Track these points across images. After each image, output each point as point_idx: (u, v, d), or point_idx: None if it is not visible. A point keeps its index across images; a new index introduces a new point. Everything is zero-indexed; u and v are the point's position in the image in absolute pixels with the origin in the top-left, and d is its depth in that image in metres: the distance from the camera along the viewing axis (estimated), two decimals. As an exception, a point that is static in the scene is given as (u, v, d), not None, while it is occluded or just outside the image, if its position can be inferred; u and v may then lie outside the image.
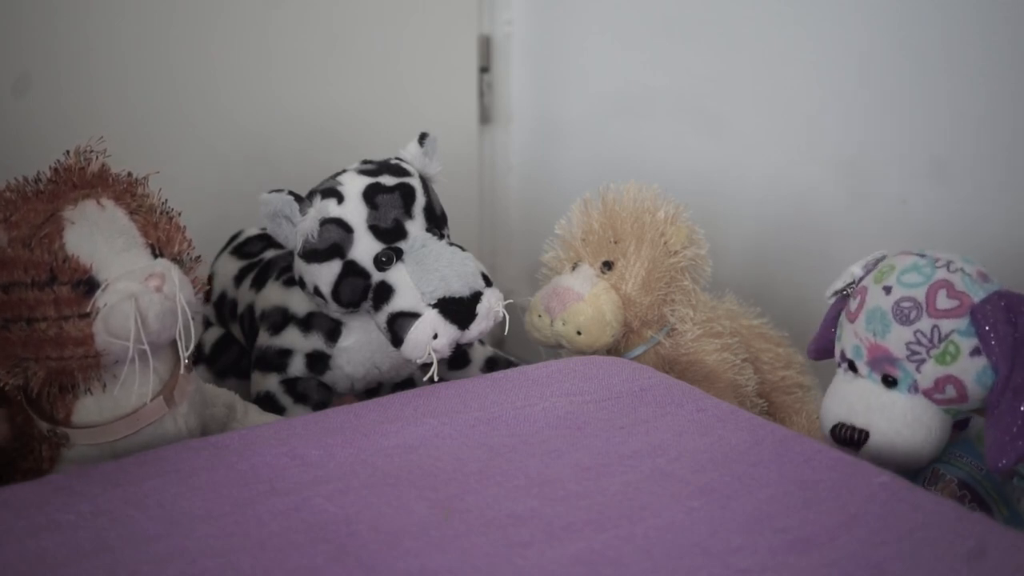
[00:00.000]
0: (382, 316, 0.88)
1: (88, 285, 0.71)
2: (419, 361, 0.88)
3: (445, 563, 0.60)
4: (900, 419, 0.79)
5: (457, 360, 1.03)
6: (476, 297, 0.88)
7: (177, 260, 0.77)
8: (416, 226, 0.90)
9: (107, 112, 1.19)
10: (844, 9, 1.18)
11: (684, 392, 0.85)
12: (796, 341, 1.15)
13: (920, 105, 1.13)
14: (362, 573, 0.59)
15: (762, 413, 1.07)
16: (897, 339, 0.78)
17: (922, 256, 0.79)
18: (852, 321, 0.81)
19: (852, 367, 0.82)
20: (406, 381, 1.02)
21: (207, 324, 1.10)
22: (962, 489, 0.78)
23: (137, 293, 0.71)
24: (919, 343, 0.77)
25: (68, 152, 0.76)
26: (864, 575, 0.58)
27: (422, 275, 0.88)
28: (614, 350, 1.03)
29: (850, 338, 0.81)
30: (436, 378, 0.87)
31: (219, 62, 1.28)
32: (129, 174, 0.79)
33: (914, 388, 0.78)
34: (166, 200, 0.79)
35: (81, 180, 0.75)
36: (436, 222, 0.92)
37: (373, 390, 1.01)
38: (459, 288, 0.87)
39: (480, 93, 1.58)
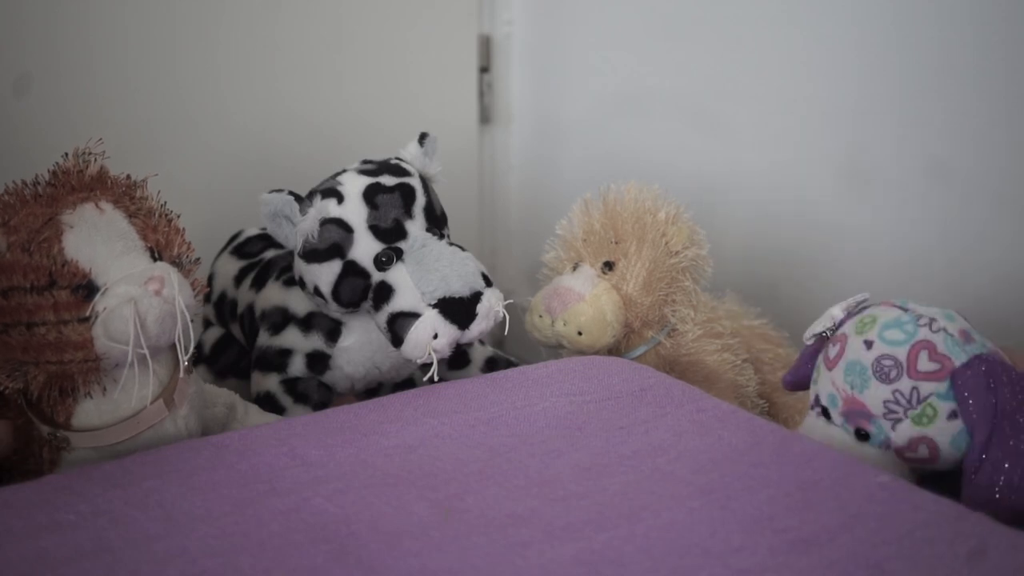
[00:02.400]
0: (382, 316, 0.88)
1: (87, 289, 0.71)
2: (419, 361, 0.88)
3: (445, 563, 0.60)
4: None
5: (457, 360, 1.03)
6: (476, 297, 0.88)
7: (176, 263, 0.77)
8: (416, 226, 0.90)
9: (107, 113, 1.19)
10: (843, 9, 1.18)
11: (684, 392, 0.85)
12: (796, 342, 1.14)
13: (920, 105, 1.13)
14: (362, 573, 0.59)
15: (763, 413, 1.07)
16: (875, 396, 0.78)
17: (905, 311, 0.79)
18: (830, 369, 0.81)
19: (826, 414, 0.82)
20: (406, 381, 1.02)
21: (207, 324, 1.11)
22: None
23: (136, 297, 0.71)
24: (897, 402, 0.77)
25: (67, 154, 0.76)
26: (864, 575, 0.58)
27: (422, 275, 0.88)
28: (615, 350, 1.03)
29: (826, 385, 0.82)
30: (436, 378, 0.87)
31: (219, 63, 1.28)
32: (128, 177, 0.79)
33: (887, 445, 0.79)
34: (165, 202, 0.79)
35: (80, 183, 0.75)
36: (436, 222, 0.92)
37: (373, 390, 1.01)
38: (459, 288, 0.87)
39: (480, 93, 1.58)
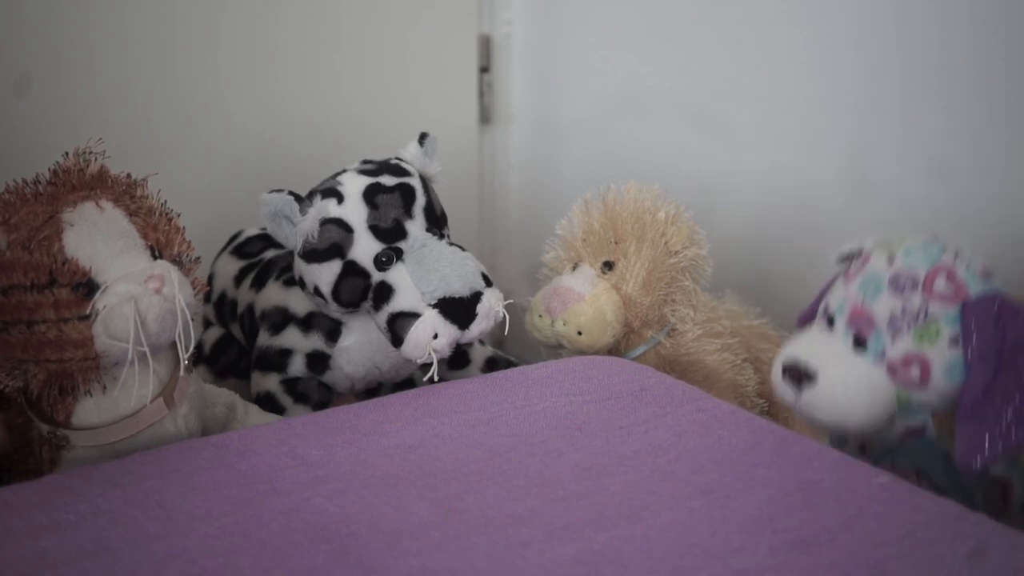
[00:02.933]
0: (382, 316, 0.88)
1: (87, 287, 0.71)
2: (419, 361, 0.88)
3: (445, 563, 0.60)
4: (853, 376, 0.78)
5: (457, 360, 1.03)
6: (476, 297, 0.88)
7: (176, 261, 0.77)
8: (416, 226, 0.90)
9: (107, 113, 1.19)
10: (843, 9, 1.18)
11: (684, 392, 0.85)
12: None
13: (919, 104, 1.13)
14: (362, 573, 0.59)
15: (763, 413, 1.07)
16: (883, 306, 0.77)
17: (935, 240, 0.79)
18: (847, 282, 0.81)
19: (830, 322, 0.81)
20: (406, 381, 1.02)
21: (207, 324, 1.11)
22: (919, 477, 0.79)
23: (136, 295, 0.71)
24: (903, 315, 0.76)
25: (67, 153, 0.76)
26: (864, 575, 0.58)
27: (422, 275, 0.88)
28: (615, 350, 1.03)
29: (839, 296, 0.81)
30: (436, 378, 0.87)
31: (219, 63, 1.28)
32: (128, 175, 0.79)
33: (881, 357, 0.77)
34: (165, 201, 0.79)
35: (80, 182, 0.75)
36: (436, 222, 0.92)
37: (373, 390, 1.01)
38: (459, 288, 0.87)
39: (480, 93, 1.58)
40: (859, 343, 0.79)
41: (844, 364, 0.78)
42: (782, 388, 0.81)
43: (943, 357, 0.75)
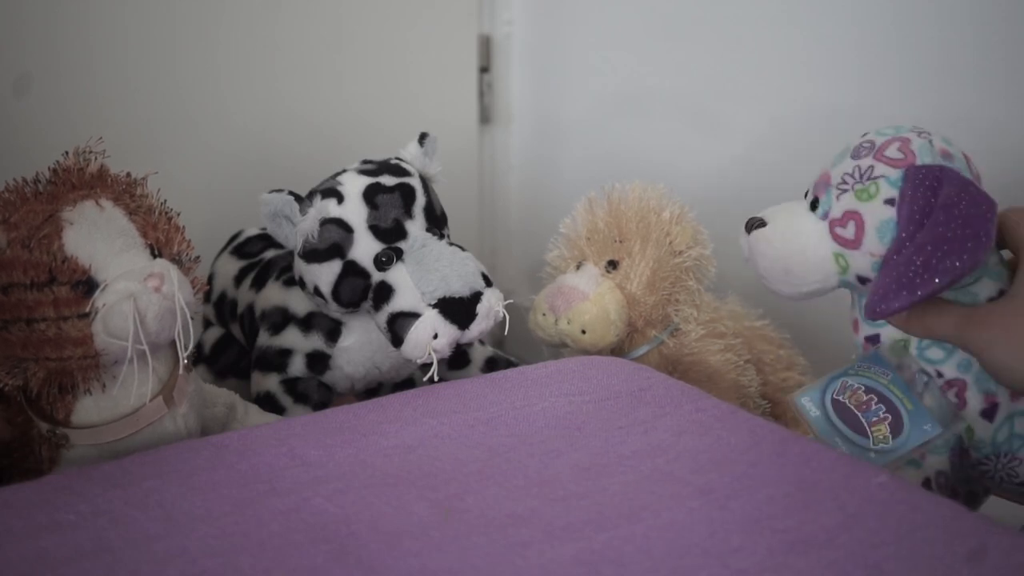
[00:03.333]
0: (382, 316, 0.88)
1: (87, 286, 0.71)
2: (419, 361, 0.88)
3: (445, 563, 0.60)
4: (795, 226, 0.81)
5: (457, 360, 1.03)
6: (476, 297, 0.88)
7: (176, 260, 0.77)
8: (416, 226, 0.90)
9: (107, 113, 1.19)
10: (843, 9, 1.19)
11: (683, 392, 0.85)
12: (798, 343, 1.15)
13: (919, 105, 1.13)
14: (362, 573, 0.59)
15: (765, 414, 1.07)
16: (840, 168, 0.80)
17: (917, 127, 0.81)
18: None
19: (806, 194, 0.85)
20: (406, 381, 1.02)
21: (207, 324, 1.11)
22: (868, 394, 0.80)
23: (136, 293, 0.71)
24: (852, 176, 0.79)
25: (67, 153, 0.76)
26: (863, 575, 0.58)
27: (422, 275, 0.88)
28: (618, 350, 1.03)
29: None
30: (436, 378, 0.87)
31: (219, 63, 1.28)
32: (128, 174, 0.79)
33: (825, 215, 0.80)
34: (165, 200, 0.79)
35: (80, 181, 0.75)
36: (436, 222, 0.92)
37: (373, 390, 1.01)
38: (459, 288, 0.87)
39: (480, 93, 1.58)
40: (814, 205, 0.82)
41: (792, 215, 0.83)
42: (741, 240, 0.86)
43: (877, 214, 0.77)
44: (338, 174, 0.92)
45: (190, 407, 0.81)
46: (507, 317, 0.89)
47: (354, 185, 0.90)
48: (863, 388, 0.80)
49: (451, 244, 0.91)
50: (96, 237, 0.72)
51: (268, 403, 0.94)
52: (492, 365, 1.05)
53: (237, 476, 0.71)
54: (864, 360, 0.82)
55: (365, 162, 0.93)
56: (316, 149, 1.33)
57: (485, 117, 1.59)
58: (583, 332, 0.99)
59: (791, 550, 0.60)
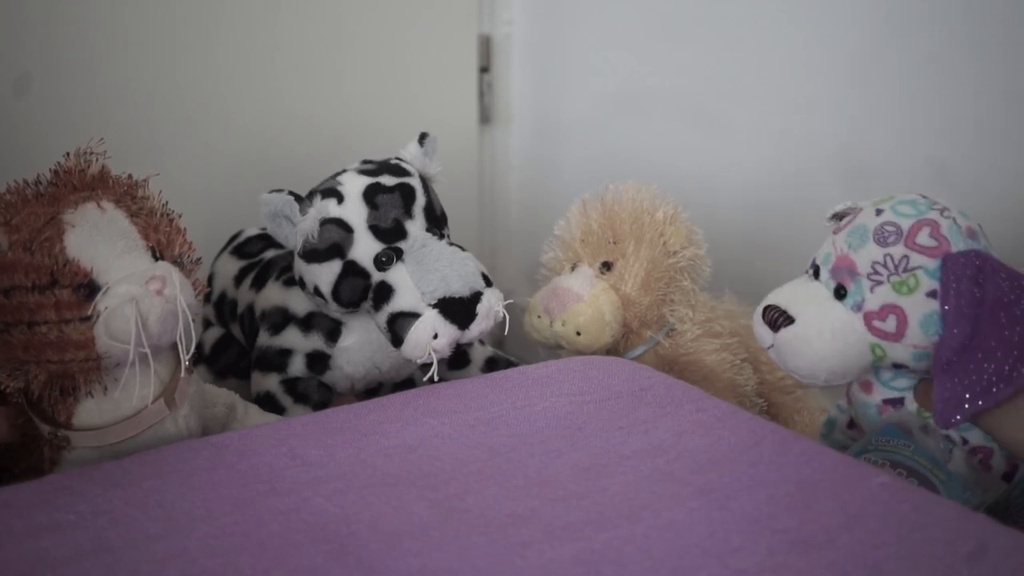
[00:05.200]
0: (382, 316, 0.88)
1: (89, 288, 0.71)
2: (419, 361, 0.88)
3: (445, 563, 0.60)
4: (830, 324, 0.78)
5: (457, 360, 1.03)
6: (476, 297, 0.88)
7: (178, 262, 0.77)
8: (416, 226, 0.90)
9: (107, 113, 1.19)
10: (843, 9, 1.19)
11: (684, 392, 0.85)
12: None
13: (917, 104, 1.13)
14: (362, 573, 0.59)
15: (761, 413, 1.07)
16: (866, 256, 0.77)
17: (924, 197, 0.79)
18: (835, 234, 0.81)
19: (816, 273, 0.82)
20: (406, 381, 1.02)
21: (207, 324, 1.11)
22: (895, 469, 0.78)
23: (138, 296, 0.71)
24: (884, 265, 0.76)
25: (68, 154, 0.76)
26: (863, 575, 0.58)
27: (422, 275, 0.88)
28: (614, 350, 1.03)
29: (827, 247, 0.81)
30: (436, 378, 0.87)
31: (219, 63, 1.28)
32: (129, 176, 0.79)
33: (859, 307, 0.78)
34: (167, 202, 0.79)
35: (81, 182, 0.75)
36: (436, 222, 0.92)
37: (373, 390, 1.01)
38: (459, 288, 0.87)
39: (480, 93, 1.58)
40: (840, 292, 0.79)
41: (822, 309, 0.79)
42: (760, 330, 0.82)
43: (920, 308, 0.75)
44: (338, 174, 0.92)
45: (191, 408, 0.80)
46: (507, 317, 0.89)
47: (354, 185, 0.90)
48: (888, 464, 0.79)
49: (451, 244, 0.91)
50: (98, 239, 0.72)
51: (268, 403, 0.94)
52: (492, 365, 1.05)
53: (237, 476, 0.71)
54: (881, 435, 0.81)
55: (365, 162, 0.93)
56: (316, 149, 1.33)
57: (485, 117, 1.60)
58: (578, 334, 0.99)
59: (791, 550, 0.60)
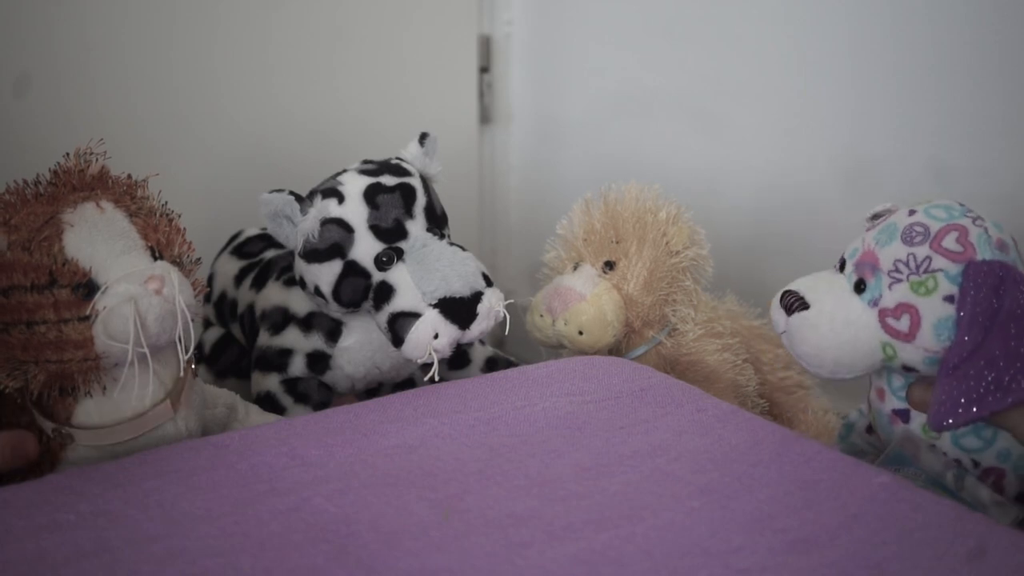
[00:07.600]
0: (383, 316, 0.88)
1: (87, 288, 0.71)
2: (420, 361, 0.88)
3: (445, 563, 0.60)
4: (843, 314, 0.78)
5: (457, 360, 1.03)
6: (477, 297, 0.88)
7: (177, 262, 0.77)
8: (417, 226, 0.90)
9: (107, 113, 1.19)
10: (843, 9, 1.19)
11: (684, 392, 0.85)
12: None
13: (918, 104, 1.13)
14: (362, 573, 0.59)
15: (763, 413, 1.07)
16: (891, 253, 0.77)
17: (961, 205, 0.78)
18: (867, 231, 0.81)
19: (842, 267, 0.82)
20: (406, 381, 1.02)
21: (207, 324, 1.11)
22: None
23: (136, 296, 0.71)
24: (906, 264, 0.76)
25: (68, 154, 0.76)
26: (863, 575, 0.58)
27: (423, 275, 0.88)
28: (616, 350, 1.03)
29: (856, 242, 0.81)
30: (436, 378, 0.87)
31: (219, 63, 1.28)
32: (129, 176, 0.79)
33: (875, 303, 0.77)
34: (166, 202, 0.79)
35: (81, 182, 0.75)
36: (436, 222, 0.92)
37: (373, 390, 1.01)
38: (460, 288, 0.87)
39: (480, 93, 1.58)
40: (860, 287, 0.79)
41: (838, 299, 0.79)
42: (775, 315, 0.82)
43: (936, 312, 0.74)
44: (339, 174, 0.92)
45: (191, 409, 0.80)
46: (507, 317, 0.89)
47: (355, 185, 0.90)
48: None
49: (451, 244, 0.91)
50: (97, 239, 0.72)
51: (268, 403, 0.94)
52: (492, 365, 1.05)
53: (237, 476, 0.71)
54: (888, 462, 0.80)
55: (366, 162, 0.93)
56: (316, 149, 1.33)
57: (485, 117, 1.60)
58: (580, 333, 0.99)
59: (792, 550, 0.60)
